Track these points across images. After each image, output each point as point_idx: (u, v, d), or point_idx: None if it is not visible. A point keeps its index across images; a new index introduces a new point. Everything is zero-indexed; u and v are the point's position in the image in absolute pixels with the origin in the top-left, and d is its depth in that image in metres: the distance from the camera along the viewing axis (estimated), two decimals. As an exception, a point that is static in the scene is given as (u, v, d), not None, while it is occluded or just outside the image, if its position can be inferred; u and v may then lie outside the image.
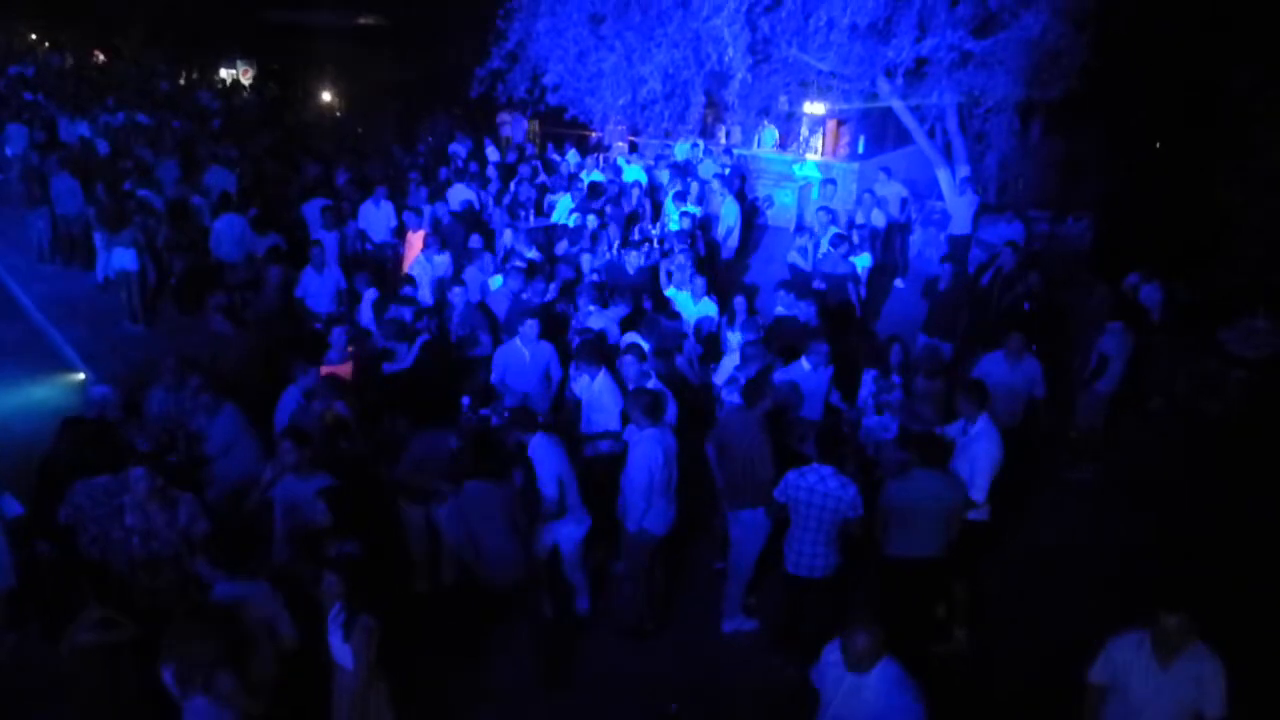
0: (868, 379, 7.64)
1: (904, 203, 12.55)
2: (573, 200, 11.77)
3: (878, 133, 14.93)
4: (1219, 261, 12.41)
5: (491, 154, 15.02)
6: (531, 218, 11.89)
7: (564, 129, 15.97)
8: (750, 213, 13.27)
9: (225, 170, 13.02)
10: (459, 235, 10.67)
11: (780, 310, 8.89)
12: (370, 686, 4.65)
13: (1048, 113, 14.49)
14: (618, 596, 6.52)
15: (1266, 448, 8.43)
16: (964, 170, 12.82)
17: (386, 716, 4.77)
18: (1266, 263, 11.85)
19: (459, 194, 12.25)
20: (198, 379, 6.78)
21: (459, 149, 15.08)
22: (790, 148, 15.03)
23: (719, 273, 11.23)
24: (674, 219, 11.36)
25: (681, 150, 13.99)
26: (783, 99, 13.04)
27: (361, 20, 25.11)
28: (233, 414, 6.61)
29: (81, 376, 9.54)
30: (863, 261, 10.33)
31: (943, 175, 12.89)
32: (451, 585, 6.39)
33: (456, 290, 9.02)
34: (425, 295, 9.33)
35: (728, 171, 13.17)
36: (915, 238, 13.24)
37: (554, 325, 8.34)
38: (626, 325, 8.45)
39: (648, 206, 11.94)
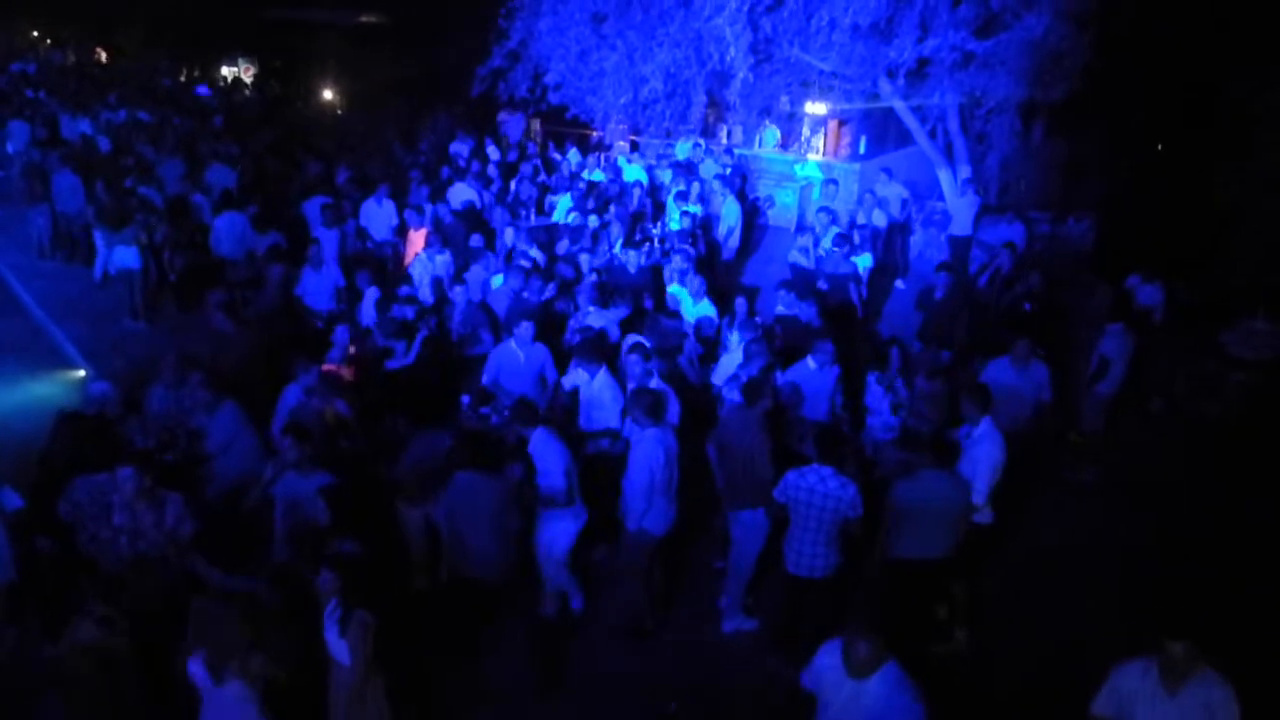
0: (871, 381, 7.64)
1: (905, 203, 12.54)
2: (572, 200, 11.78)
3: (879, 133, 14.91)
4: (1218, 262, 12.42)
5: (492, 153, 15.02)
6: (532, 217, 11.90)
7: (565, 128, 15.97)
8: (751, 213, 13.26)
9: (227, 168, 13.02)
10: (461, 234, 10.68)
11: (781, 310, 8.89)
12: (367, 683, 4.65)
13: (1049, 114, 14.46)
14: (617, 596, 6.52)
15: (1266, 450, 8.43)
16: (965, 171, 12.81)
17: (384, 713, 4.77)
18: (1265, 264, 11.86)
19: (461, 193, 12.25)
20: (198, 376, 6.77)
21: (461, 148, 15.09)
22: (791, 148, 15.02)
23: (719, 273, 11.23)
24: (675, 218, 11.36)
25: (683, 150, 13.98)
26: (784, 99, 13.03)
27: (363, 18, 25.15)
28: (233, 412, 6.61)
29: (82, 373, 9.53)
30: (864, 262, 10.33)
31: (944, 176, 12.88)
32: (449, 583, 6.39)
33: (458, 289, 9.02)
34: (425, 294, 9.33)
35: (729, 171, 13.16)
36: (916, 238, 13.24)
37: (552, 325, 8.34)
38: (626, 325, 8.46)
39: (649, 206, 11.94)
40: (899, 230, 12.50)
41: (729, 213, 11.68)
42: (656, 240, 10.71)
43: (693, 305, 8.98)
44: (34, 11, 28.40)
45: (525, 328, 7.52)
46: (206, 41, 26.68)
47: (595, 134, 16.34)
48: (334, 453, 6.30)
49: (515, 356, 7.54)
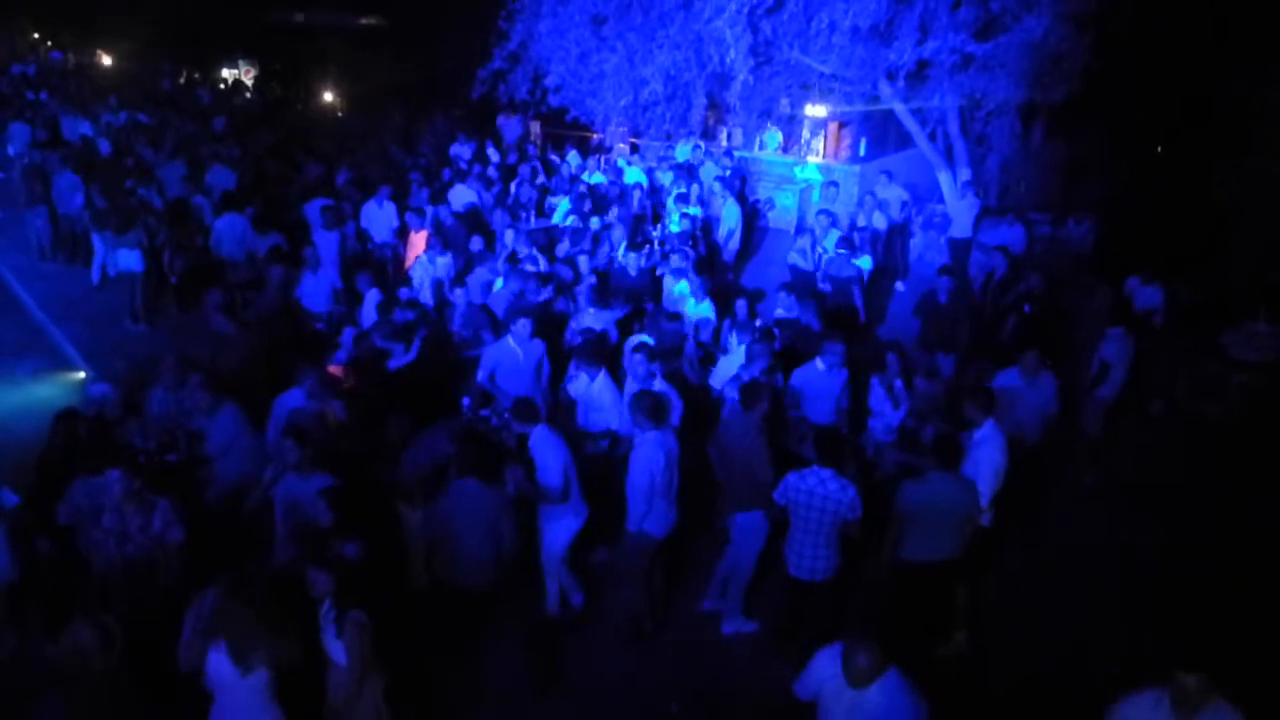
0: (874, 383, 7.64)
1: (905, 206, 12.54)
2: (570, 203, 11.78)
3: (879, 135, 14.92)
4: (1217, 259, 12.42)
5: (492, 155, 15.03)
6: (532, 219, 11.90)
7: (565, 130, 15.97)
8: (751, 215, 13.27)
9: (227, 170, 13.02)
10: (461, 236, 10.67)
11: (780, 312, 8.88)
12: (364, 683, 4.65)
13: (1049, 115, 14.48)
14: (617, 598, 6.51)
15: (1267, 452, 8.42)
16: (965, 173, 12.82)
17: (383, 713, 4.77)
18: (1264, 260, 11.87)
19: (461, 195, 12.26)
20: (198, 378, 6.77)
21: (462, 150, 15.09)
22: (792, 150, 15.04)
23: (719, 275, 11.23)
24: (675, 220, 11.36)
25: (683, 152, 13.99)
26: (784, 101, 13.04)
27: (363, 21, 25.21)
28: (233, 413, 6.61)
29: (82, 375, 9.53)
30: (864, 264, 10.33)
31: (944, 178, 12.89)
32: (433, 588, 6.38)
33: (458, 291, 9.01)
34: (425, 296, 9.33)
35: (729, 174, 13.17)
36: (916, 241, 13.24)
37: (549, 325, 8.33)
38: (625, 326, 8.45)
39: (649, 208, 11.94)
40: (899, 232, 12.51)
41: (729, 215, 11.68)
42: (656, 243, 10.72)
43: (694, 305, 8.98)
44: (35, 14, 28.40)
45: (523, 324, 7.50)
46: (207, 44, 26.72)
47: (595, 136, 16.35)
48: (333, 453, 6.29)
49: (514, 354, 7.52)
